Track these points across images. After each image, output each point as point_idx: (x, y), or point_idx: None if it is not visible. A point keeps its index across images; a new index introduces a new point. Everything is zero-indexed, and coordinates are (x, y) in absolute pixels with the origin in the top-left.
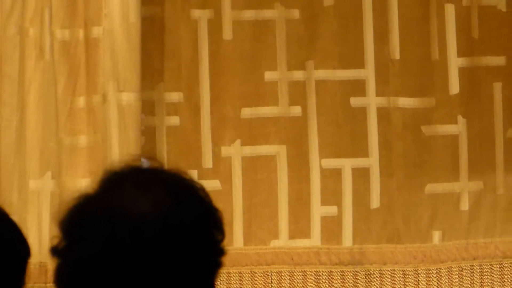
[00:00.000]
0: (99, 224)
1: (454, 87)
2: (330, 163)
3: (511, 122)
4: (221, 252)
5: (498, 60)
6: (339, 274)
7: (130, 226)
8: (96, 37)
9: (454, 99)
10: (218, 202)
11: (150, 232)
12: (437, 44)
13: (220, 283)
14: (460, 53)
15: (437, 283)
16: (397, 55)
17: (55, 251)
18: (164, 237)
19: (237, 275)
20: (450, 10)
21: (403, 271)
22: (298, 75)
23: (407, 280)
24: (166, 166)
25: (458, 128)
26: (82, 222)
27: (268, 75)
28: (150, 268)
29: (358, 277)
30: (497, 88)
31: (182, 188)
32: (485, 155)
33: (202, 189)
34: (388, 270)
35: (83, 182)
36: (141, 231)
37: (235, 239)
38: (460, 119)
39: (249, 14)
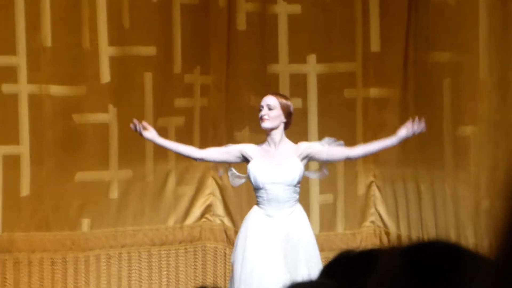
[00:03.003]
0: None
1: (105, 76)
2: None
3: (161, 112)
4: None
5: (149, 50)
6: None
7: None
8: None
9: (105, 88)
10: None
11: None
12: (88, 33)
13: None
14: (111, 42)
15: (85, 270)
16: (49, 42)
17: None
18: None
19: None
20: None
21: (52, 258)
22: None
23: (56, 267)
24: None
25: (108, 116)
26: None
27: None
28: None
29: (6, 265)
30: (148, 77)
31: None
32: (135, 144)
33: None
34: (37, 258)
35: None
36: None
37: None
38: (111, 108)
39: None
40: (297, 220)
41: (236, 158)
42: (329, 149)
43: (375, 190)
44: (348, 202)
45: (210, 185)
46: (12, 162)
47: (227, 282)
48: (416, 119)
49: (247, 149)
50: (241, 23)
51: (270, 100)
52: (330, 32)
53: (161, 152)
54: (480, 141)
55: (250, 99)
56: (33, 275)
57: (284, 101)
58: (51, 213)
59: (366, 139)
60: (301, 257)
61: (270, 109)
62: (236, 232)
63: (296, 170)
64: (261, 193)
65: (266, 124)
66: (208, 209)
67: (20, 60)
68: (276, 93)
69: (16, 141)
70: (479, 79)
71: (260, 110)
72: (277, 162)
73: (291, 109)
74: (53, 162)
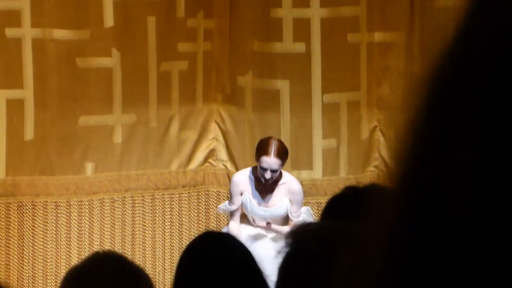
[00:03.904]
0: None
1: (109, 20)
2: None
3: (164, 56)
4: None
5: None
6: None
7: None
8: None
9: (108, 32)
10: None
11: None
12: None
13: None
14: None
15: (89, 214)
16: None
17: None
18: None
19: None
20: None
21: (56, 202)
22: None
23: (60, 211)
24: None
25: (112, 61)
26: None
27: None
28: None
29: (10, 208)
30: (151, 22)
31: None
32: (139, 89)
33: None
34: (41, 202)
35: None
36: None
37: None
38: (115, 52)
39: None
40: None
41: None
42: (295, 216)
43: (379, 135)
44: (352, 147)
45: (213, 130)
46: (16, 106)
47: None
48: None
49: (242, 188)
50: None
51: (274, 165)
52: None
53: (164, 96)
54: None
55: (253, 44)
56: (37, 219)
57: (285, 154)
58: (55, 157)
59: (370, 84)
60: None
61: (274, 172)
62: None
63: (286, 209)
64: (252, 219)
65: (269, 183)
66: (211, 153)
67: (23, 4)
68: (277, 151)
69: (20, 85)
70: None
71: (263, 169)
72: (268, 203)
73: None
74: (57, 106)
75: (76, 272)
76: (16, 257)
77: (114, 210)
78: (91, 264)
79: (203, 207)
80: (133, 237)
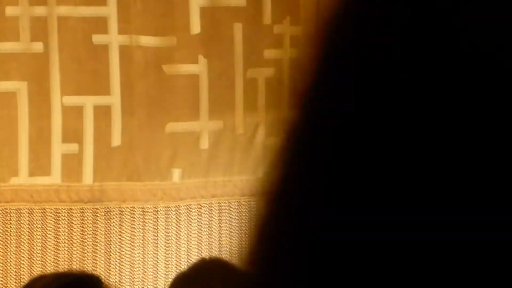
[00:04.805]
0: None
1: (195, 26)
2: (72, 100)
3: (251, 63)
4: None
5: (239, 1)
6: (78, 211)
7: None
8: None
9: (195, 39)
10: None
11: None
12: None
13: None
14: None
15: (176, 220)
16: None
17: None
18: None
19: None
20: None
21: (143, 208)
22: (40, 10)
23: (147, 217)
24: None
25: (199, 68)
26: None
27: (10, 11)
28: None
29: (97, 214)
30: (237, 28)
31: None
32: (225, 95)
33: None
34: (128, 208)
35: None
36: None
37: None
38: (201, 59)
39: None
40: None
41: None
42: None
43: None
44: None
45: None
46: (103, 113)
47: None
48: None
49: None
50: None
51: None
52: None
53: (251, 103)
54: None
55: None
56: (124, 224)
57: None
58: (142, 163)
59: None
60: None
61: None
62: None
63: None
64: None
65: None
66: None
67: (110, 10)
68: None
69: (107, 91)
70: None
71: None
72: None
73: None
74: (144, 112)
75: (183, 279)
76: (103, 263)
77: (201, 216)
78: (198, 271)
79: None
80: (220, 244)
